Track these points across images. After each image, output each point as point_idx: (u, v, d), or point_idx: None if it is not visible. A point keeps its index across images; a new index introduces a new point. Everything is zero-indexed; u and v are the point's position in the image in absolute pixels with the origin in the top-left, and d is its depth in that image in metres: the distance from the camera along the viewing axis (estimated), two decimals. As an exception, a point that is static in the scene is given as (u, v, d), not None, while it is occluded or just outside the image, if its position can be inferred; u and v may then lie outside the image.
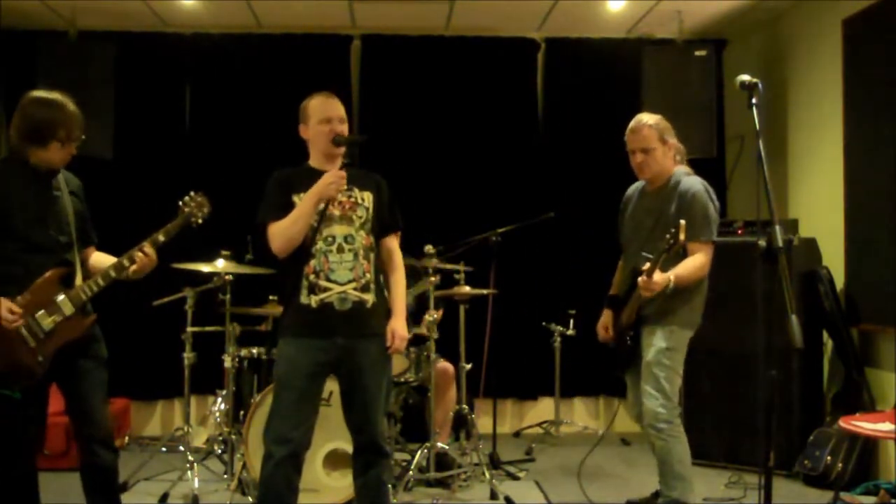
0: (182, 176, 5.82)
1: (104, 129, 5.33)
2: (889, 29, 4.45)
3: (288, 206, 3.13)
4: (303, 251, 3.10)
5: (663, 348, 3.63)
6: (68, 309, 3.06)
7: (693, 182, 3.69)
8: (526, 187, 6.03)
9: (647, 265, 3.47)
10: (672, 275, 3.49)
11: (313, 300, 3.08)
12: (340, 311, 3.09)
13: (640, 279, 3.48)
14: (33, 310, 3.02)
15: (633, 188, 3.98)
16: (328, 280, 3.09)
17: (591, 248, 5.88)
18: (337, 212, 3.13)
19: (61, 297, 3.06)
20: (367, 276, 3.14)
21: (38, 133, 3.04)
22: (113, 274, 3.12)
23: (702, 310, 3.73)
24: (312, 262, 3.10)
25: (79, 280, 3.15)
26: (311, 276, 3.09)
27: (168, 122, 5.92)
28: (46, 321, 3.03)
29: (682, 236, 3.36)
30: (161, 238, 3.20)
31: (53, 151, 3.07)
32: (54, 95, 3.10)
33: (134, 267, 3.13)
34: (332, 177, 3.06)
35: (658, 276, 3.45)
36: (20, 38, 5.57)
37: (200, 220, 3.32)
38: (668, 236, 3.40)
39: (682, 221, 3.39)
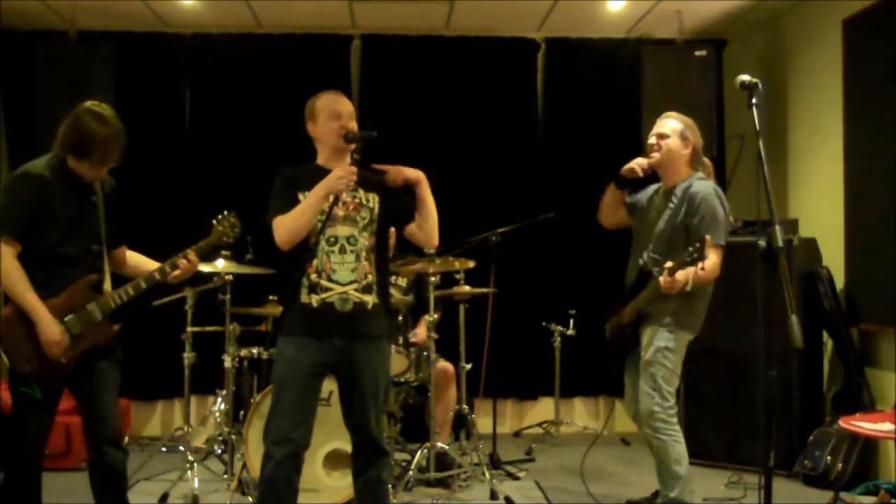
0: (182, 176, 5.84)
1: (104, 129, 5.33)
2: (889, 29, 4.45)
3: (293, 203, 3.12)
4: (305, 251, 3.10)
5: (662, 348, 3.64)
6: (97, 315, 3.09)
7: (704, 186, 3.69)
8: (526, 187, 6.03)
9: (669, 264, 3.44)
10: (692, 274, 3.46)
11: (314, 299, 3.08)
12: (341, 311, 3.09)
13: (662, 279, 3.45)
14: (64, 313, 3.04)
15: (652, 187, 3.97)
16: (330, 280, 3.09)
17: (590, 248, 5.88)
18: (341, 212, 3.12)
19: (91, 303, 3.09)
20: (369, 277, 3.13)
21: (78, 145, 3.05)
22: (143, 285, 3.17)
23: (704, 315, 3.75)
24: (315, 262, 3.09)
25: (108, 287, 3.17)
26: (313, 276, 3.09)
27: (168, 122, 5.92)
28: (75, 325, 3.05)
29: (707, 251, 3.35)
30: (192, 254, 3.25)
31: (84, 167, 3.08)
32: (108, 113, 3.08)
33: (177, 272, 3.20)
34: (342, 171, 3.04)
35: (681, 275, 3.44)
36: (20, 38, 5.57)
37: (231, 241, 3.35)
38: (691, 249, 3.39)
39: (709, 237, 3.39)
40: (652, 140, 3.80)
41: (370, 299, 3.13)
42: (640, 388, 3.68)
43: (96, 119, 3.05)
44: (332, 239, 3.11)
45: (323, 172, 3.14)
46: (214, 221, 3.33)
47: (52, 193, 3.03)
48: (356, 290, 3.10)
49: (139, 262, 3.33)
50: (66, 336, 3.02)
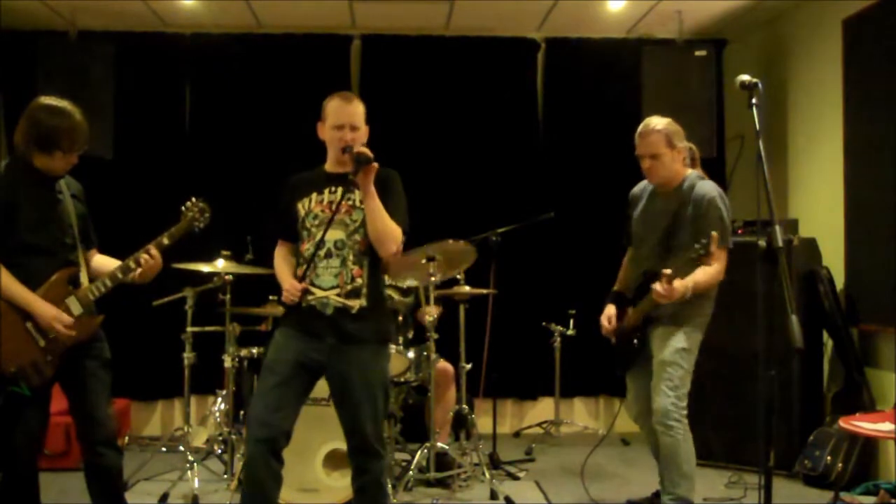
0: (182, 176, 5.83)
1: (104, 129, 5.32)
2: (889, 29, 4.45)
3: (288, 215, 3.17)
4: (296, 255, 3.18)
5: (681, 349, 3.64)
6: (77, 309, 3.10)
7: (708, 188, 3.68)
8: (526, 187, 6.03)
9: (667, 271, 3.44)
10: (691, 282, 3.49)
11: (303, 300, 3.10)
12: (323, 314, 3.10)
13: (658, 286, 3.45)
14: None
15: (640, 187, 3.96)
16: (313, 285, 3.10)
17: (590, 248, 5.88)
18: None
19: (70, 297, 3.10)
20: (358, 281, 3.10)
21: (43, 140, 3.06)
22: (119, 276, 3.16)
23: (710, 314, 3.76)
24: (302, 266, 3.12)
25: (84, 280, 3.17)
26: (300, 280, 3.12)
27: (168, 122, 5.92)
28: (76, 306, 3.08)
29: (713, 247, 3.35)
30: (165, 241, 3.23)
31: (56, 159, 3.10)
32: (63, 104, 3.11)
33: (140, 270, 3.15)
34: (288, 287, 3.09)
35: (678, 284, 3.45)
36: (20, 38, 5.56)
37: (202, 226, 3.34)
38: (697, 246, 3.38)
39: (715, 233, 3.37)
40: (647, 164, 3.74)
41: (356, 303, 3.09)
42: (655, 387, 3.67)
43: (51, 113, 3.08)
44: (321, 243, 3.10)
45: (329, 177, 3.17)
46: (183, 208, 3.33)
47: (13, 190, 3.05)
48: (338, 294, 3.09)
49: (105, 263, 3.30)
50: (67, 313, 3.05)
